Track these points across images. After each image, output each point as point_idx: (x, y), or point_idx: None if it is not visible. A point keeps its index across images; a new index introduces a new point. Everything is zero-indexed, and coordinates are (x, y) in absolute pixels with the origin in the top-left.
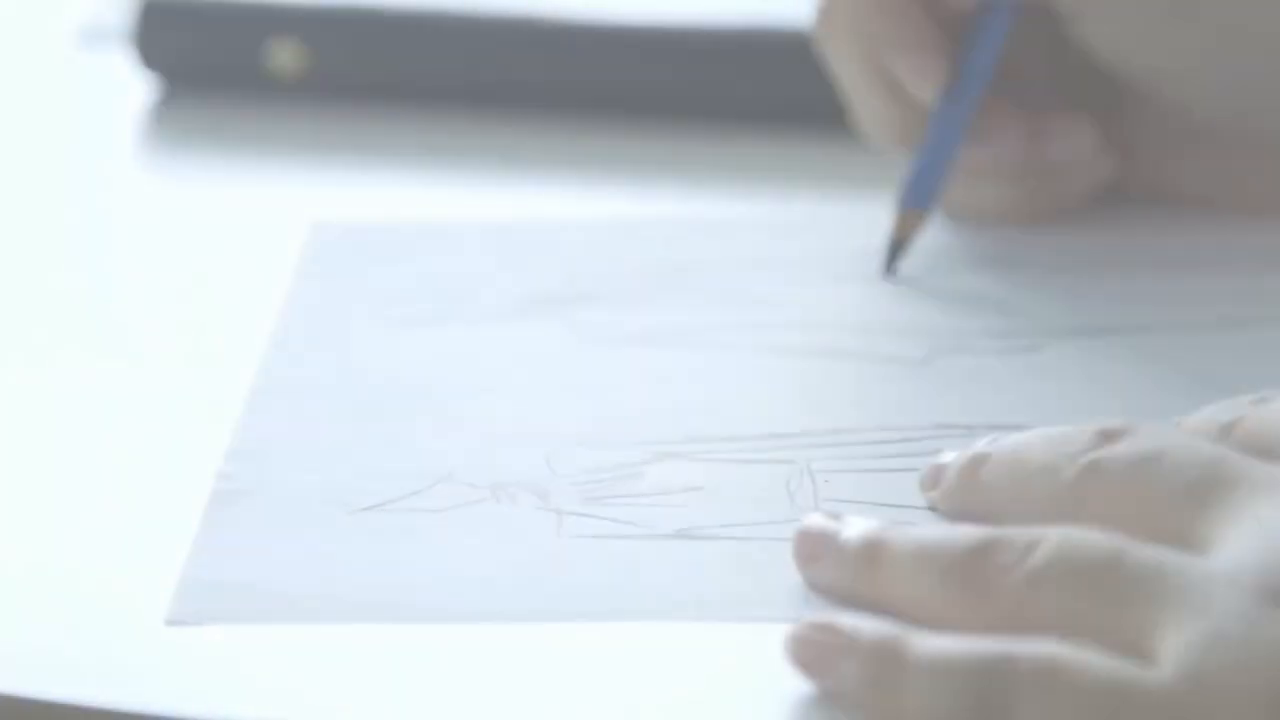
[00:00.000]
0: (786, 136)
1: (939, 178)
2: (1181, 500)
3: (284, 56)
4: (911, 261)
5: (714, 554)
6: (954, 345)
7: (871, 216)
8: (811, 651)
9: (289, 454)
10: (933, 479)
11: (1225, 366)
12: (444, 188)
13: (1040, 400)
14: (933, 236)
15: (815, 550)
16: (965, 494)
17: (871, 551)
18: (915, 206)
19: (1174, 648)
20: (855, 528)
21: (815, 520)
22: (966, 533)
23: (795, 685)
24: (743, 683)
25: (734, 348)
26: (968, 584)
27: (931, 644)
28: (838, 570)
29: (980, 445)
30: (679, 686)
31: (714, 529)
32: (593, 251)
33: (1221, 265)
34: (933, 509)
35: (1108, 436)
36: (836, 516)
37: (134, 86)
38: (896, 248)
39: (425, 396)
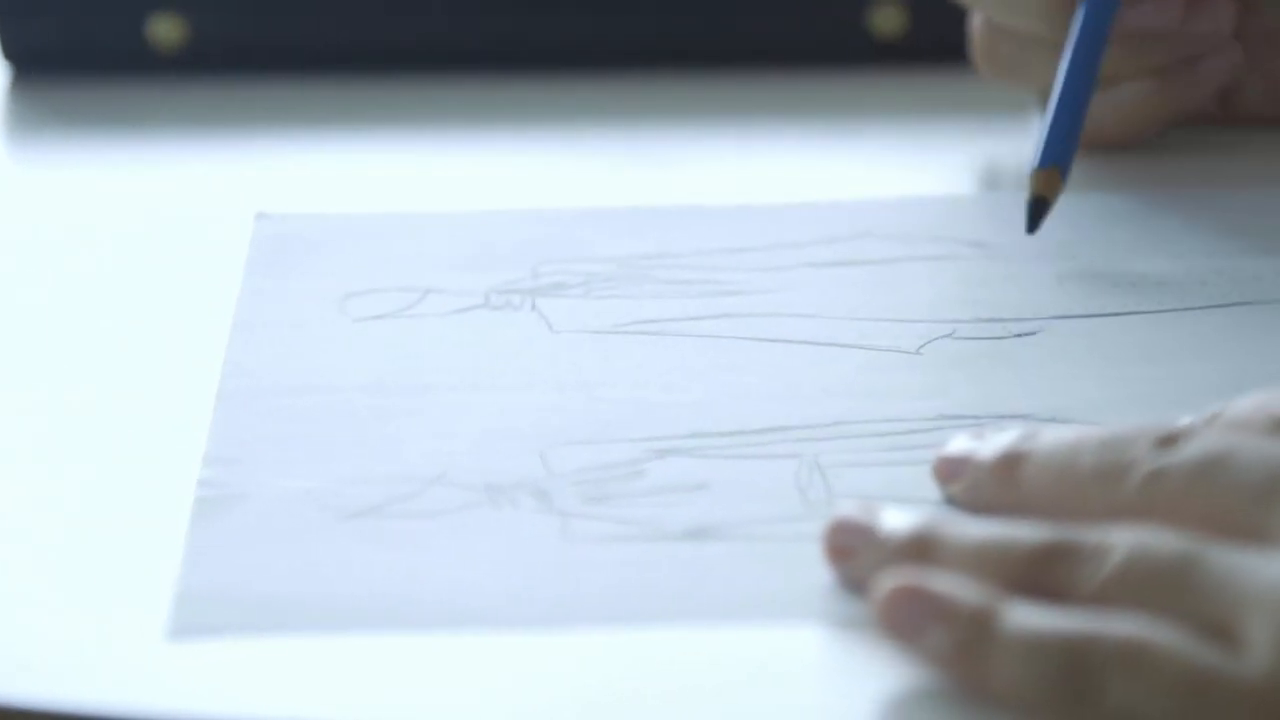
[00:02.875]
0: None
1: (1075, 131)
2: (1252, 501)
3: (161, 30)
4: (885, 246)
5: (727, 554)
6: (946, 332)
7: (839, 204)
8: (903, 616)
9: (270, 459)
10: (949, 471)
11: (1230, 344)
12: (335, 153)
13: (1041, 386)
14: (919, 220)
15: (850, 545)
16: (998, 491)
17: (921, 548)
18: (1050, 164)
19: (1261, 638)
20: (897, 521)
21: (848, 513)
22: (1029, 535)
23: (818, 690)
24: (763, 687)
25: (712, 338)
26: (1037, 591)
27: (1024, 619)
28: (879, 566)
29: (1006, 440)
30: (696, 693)
31: (725, 528)
32: (555, 241)
33: (1224, 246)
34: (950, 502)
35: (1165, 441)
36: (870, 509)
37: None
38: (1037, 208)
39: (400, 394)
